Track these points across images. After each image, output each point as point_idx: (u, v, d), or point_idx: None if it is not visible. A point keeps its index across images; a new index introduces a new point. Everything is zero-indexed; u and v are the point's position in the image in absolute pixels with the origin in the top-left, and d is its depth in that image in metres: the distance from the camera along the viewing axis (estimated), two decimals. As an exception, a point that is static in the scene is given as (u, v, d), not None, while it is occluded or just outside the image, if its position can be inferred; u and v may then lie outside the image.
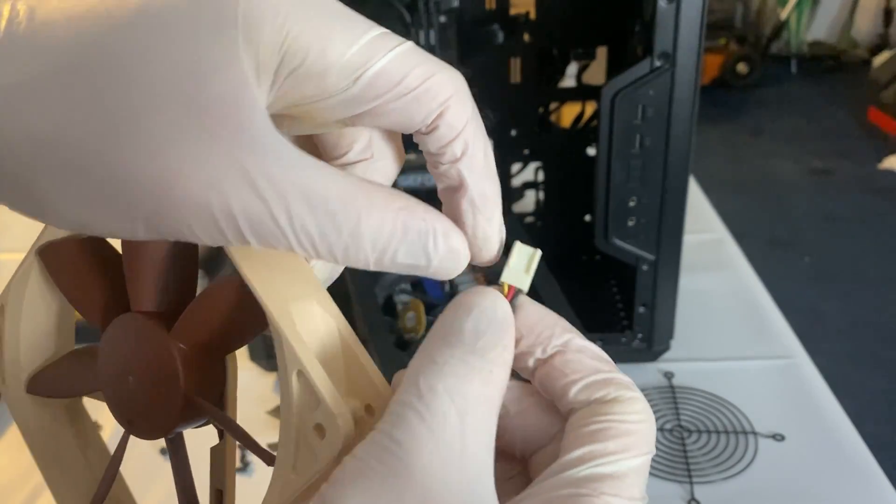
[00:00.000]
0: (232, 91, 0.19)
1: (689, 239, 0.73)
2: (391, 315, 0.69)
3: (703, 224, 1.07)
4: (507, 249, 0.25)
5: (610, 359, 0.24)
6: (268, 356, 0.76)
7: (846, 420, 0.70)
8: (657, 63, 0.61)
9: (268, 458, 0.24)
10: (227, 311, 0.24)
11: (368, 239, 0.20)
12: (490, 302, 0.23)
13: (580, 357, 0.23)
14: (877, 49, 3.91)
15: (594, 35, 0.81)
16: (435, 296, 0.71)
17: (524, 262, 0.24)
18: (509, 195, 0.88)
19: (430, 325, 0.65)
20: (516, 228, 0.79)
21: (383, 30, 0.21)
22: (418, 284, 0.72)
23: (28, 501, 0.65)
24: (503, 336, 0.22)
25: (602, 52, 0.83)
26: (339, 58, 0.20)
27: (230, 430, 0.26)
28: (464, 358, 0.21)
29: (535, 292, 0.75)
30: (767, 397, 0.73)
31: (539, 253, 0.24)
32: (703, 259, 0.96)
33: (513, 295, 0.24)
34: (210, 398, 0.26)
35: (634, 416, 0.22)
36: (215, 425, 0.27)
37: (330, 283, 0.27)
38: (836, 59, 4.02)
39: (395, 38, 0.21)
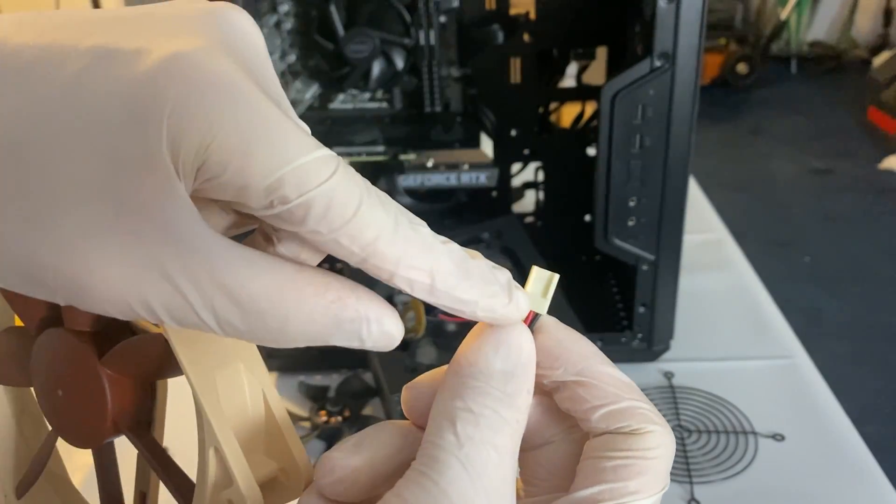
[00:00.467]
0: (155, 187, 0.18)
1: (689, 239, 0.73)
2: (391, 315, 0.69)
3: (703, 224, 1.07)
4: (525, 274, 0.25)
5: (633, 384, 0.24)
6: (267, 356, 0.76)
7: (846, 420, 0.70)
8: (657, 63, 0.61)
9: (176, 488, 0.25)
10: (155, 359, 0.25)
11: (297, 333, 0.20)
12: (516, 339, 0.23)
13: (602, 384, 0.23)
14: (877, 49, 3.91)
15: (594, 35, 0.81)
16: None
17: (541, 287, 0.25)
18: (509, 195, 0.88)
19: (430, 325, 0.65)
20: (516, 228, 0.78)
21: (316, 155, 0.19)
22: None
23: (28, 501, 0.65)
24: (528, 379, 0.23)
25: (602, 52, 0.83)
26: (260, 180, 0.19)
27: (150, 458, 0.26)
28: (496, 408, 0.22)
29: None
30: (767, 397, 0.73)
31: (556, 277, 0.25)
32: (703, 259, 0.96)
33: (531, 320, 0.24)
34: (138, 421, 0.26)
35: (654, 452, 0.22)
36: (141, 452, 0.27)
37: None
38: (836, 59, 4.02)
39: (323, 171, 0.19)
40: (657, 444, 0.23)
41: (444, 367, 0.24)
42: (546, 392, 0.24)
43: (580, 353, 0.24)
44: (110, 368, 0.25)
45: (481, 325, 0.24)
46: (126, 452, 0.28)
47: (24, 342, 0.28)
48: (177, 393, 0.28)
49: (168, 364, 0.25)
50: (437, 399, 0.23)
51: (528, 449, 0.24)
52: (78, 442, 0.27)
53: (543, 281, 0.25)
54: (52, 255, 0.19)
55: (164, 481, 0.25)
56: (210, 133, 0.18)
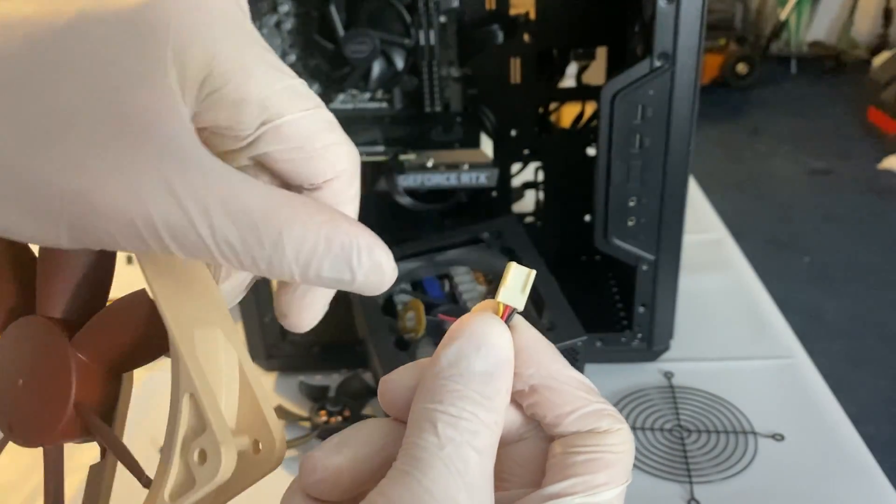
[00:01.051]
0: (157, 103, 0.19)
1: (689, 239, 0.73)
2: (391, 315, 0.69)
3: (703, 224, 1.07)
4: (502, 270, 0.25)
5: (594, 387, 0.25)
6: (267, 356, 0.76)
7: (846, 420, 0.70)
8: (657, 63, 0.61)
9: (146, 481, 0.24)
10: (132, 327, 0.24)
11: (291, 251, 0.21)
12: (497, 338, 0.24)
13: (570, 388, 0.24)
14: (876, 49, 3.92)
15: (594, 35, 0.81)
16: (435, 296, 0.71)
17: (520, 282, 0.25)
18: (509, 195, 0.88)
19: (430, 325, 0.65)
20: (516, 228, 0.79)
21: (303, 82, 0.22)
22: (418, 284, 0.72)
23: (28, 501, 0.65)
24: (507, 380, 0.24)
25: (602, 53, 0.83)
26: (257, 93, 0.21)
27: (113, 448, 0.25)
28: (475, 412, 0.22)
29: (535, 292, 0.75)
30: (767, 397, 0.73)
31: (534, 273, 0.25)
32: (703, 259, 0.96)
33: (508, 314, 0.25)
34: (99, 413, 0.25)
35: (619, 447, 0.23)
36: (99, 443, 0.26)
37: (234, 304, 0.27)
38: (835, 59, 4.02)
39: (311, 97, 0.22)
40: (622, 440, 0.24)
41: (422, 360, 0.25)
42: (517, 392, 0.25)
43: (550, 355, 0.25)
44: (81, 351, 0.24)
45: (462, 321, 0.24)
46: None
47: None
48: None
49: (144, 338, 0.24)
50: (417, 398, 0.23)
51: (502, 445, 0.25)
52: (30, 439, 0.25)
53: (522, 276, 0.25)
54: (59, 172, 0.19)
55: (135, 474, 0.24)
56: (213, 47, 0.20)
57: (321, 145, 0.23)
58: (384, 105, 0.85)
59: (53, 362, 0.25)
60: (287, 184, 0.24)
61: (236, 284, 0.27)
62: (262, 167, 0.23)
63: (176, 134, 0.19)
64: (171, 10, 0.19)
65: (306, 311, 0.26)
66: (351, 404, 0.72)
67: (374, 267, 0.22)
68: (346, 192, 0.24)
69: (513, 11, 0.79)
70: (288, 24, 0.81)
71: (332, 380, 0.77)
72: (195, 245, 0.20)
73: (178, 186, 0.19)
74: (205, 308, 0.24)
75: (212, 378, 0.23)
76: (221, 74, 0.20)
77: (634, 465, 0.66)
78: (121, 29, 0.19)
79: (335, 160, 0.23)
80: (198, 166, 0.20)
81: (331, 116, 0.23)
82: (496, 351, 0.23)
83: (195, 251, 0.20)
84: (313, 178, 0.23)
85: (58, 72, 0.19)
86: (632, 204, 0.68)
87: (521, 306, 0.25)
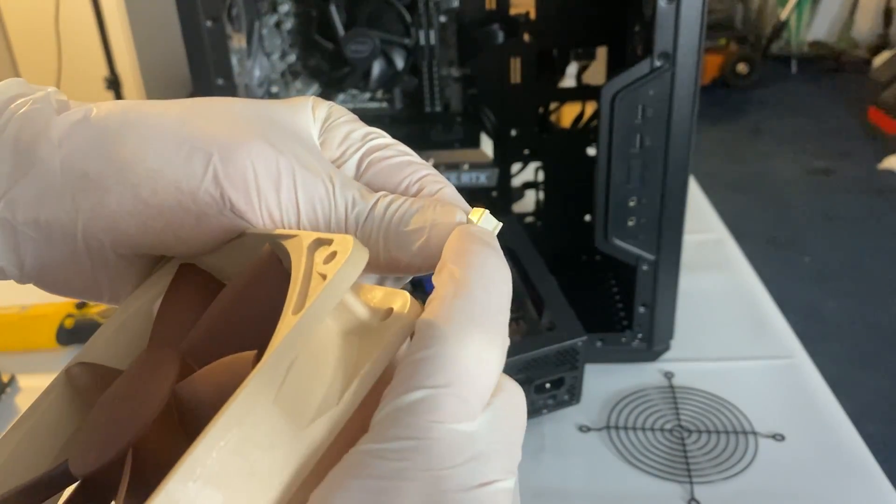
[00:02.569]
0: (297, 121, 0.28)
1: (689, 239, 0.73)
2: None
3: (703, 224, 1.07)
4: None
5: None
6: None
7: (846, 420, 0.70)
8: (657, 63, 0.61)
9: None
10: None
11: (384, 204, 0.26)
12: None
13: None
14: (877, 49, 3.91)
15: (594, 35, 0.81)
16: (435, 296, 0.71)
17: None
18: (509, 195, 0.88)
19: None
20: (516, 228, 0.79)
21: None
22: (418, 284, 0.72)
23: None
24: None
25: (602, 52, 0.83)
26: (360, 127, 0.29)
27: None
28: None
29: (535, 292, 0.74)
30: (767, 397, 0.73)
31: (500, 226, 0.26)
32: (703, 259, 0.96)
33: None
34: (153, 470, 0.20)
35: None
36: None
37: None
38: (836, 59, 4.02)
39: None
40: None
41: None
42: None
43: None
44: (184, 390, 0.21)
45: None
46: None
47: (96, 380, 0.25)
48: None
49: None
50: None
51: None
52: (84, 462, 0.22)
53: (490, 225, 0.25)
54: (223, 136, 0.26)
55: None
56: (331, 103, 0.29)
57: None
58: (384, 105, 0.85)
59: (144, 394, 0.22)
60: None
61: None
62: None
63: (307, 138, 0.27)
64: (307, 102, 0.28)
65: None
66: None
67: (447, 211, 0.25)
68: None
69: (513, 11, 0.79)
70: (288, 24, 0.81)
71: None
72: (319, 196, 0.25)
73: (308, 156, 0.26)
74: None
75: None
76: (336, 114, 0.28)
77: (635, 466, 0.66)
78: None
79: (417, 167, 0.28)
80: (318, 155, 0.27)
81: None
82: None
83: (317, 201, 0.25)
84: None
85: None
86: (632, 204, 0.68)
87: None
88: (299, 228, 0.26)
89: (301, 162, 0.26)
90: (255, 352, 0.20)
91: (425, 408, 0.19)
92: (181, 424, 0.22)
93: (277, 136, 0.26)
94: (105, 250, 0.26)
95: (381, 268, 0.26)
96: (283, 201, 0.25)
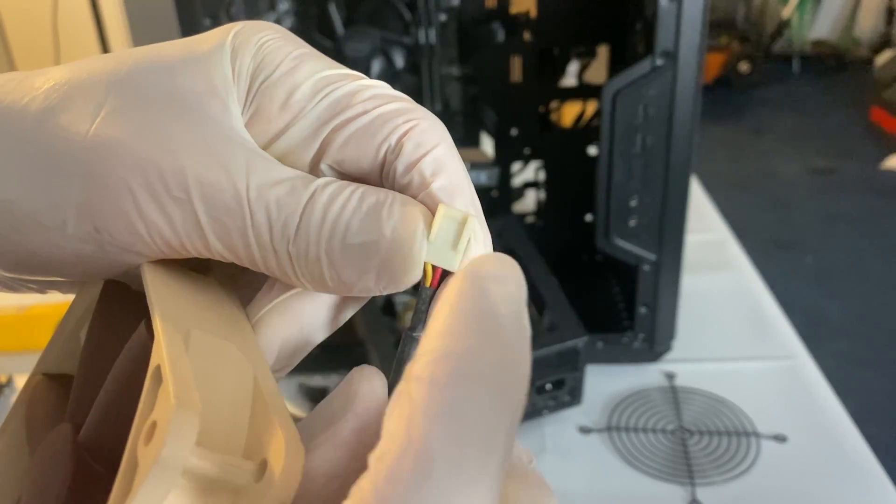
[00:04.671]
0: (205, 91, 0.21)
1: (691, 239, 0.73)
2: (391, 315, 0.68)
3: (705, 224, 1.06)
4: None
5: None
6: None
7: (848, 421, 0.70)
8: (658, 62, 0.61)
9: None
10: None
11: (319, 209, 0.19)
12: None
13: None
14: (879, 48, 3.91)
15: (595, 33, 0.80)
16: (435, 296, 0.70)
17: (451, 234, 0.19)
18: (510, 195, 0.88)
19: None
20: (516, 228, 0.78)
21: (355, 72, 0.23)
22: (418, 284, 0.72)
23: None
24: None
25: (603, 51, 0.82)
26: (308, 76, 0.21)
27: None
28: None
29: (535, 292, 0.74)
30: (769, 398, 0.72)
31: (472, 219, 0.19)
32: (705, 259, 0.95)
33: (439, 279, 0.19)
34: None
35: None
36: None
37: (324, 338, 0.23)
38: (838, 58, 4.02)
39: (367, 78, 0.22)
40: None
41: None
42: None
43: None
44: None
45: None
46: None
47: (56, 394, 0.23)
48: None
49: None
50: None
51: None
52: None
53: (454, 224, 0.19)
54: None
55: None
56: (264, 46, 0.21)
57: (384, 101, 0.21)
58: (384, 104, 0.85)
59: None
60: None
61: (320, 307, 0.23)
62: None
63: (217, 112, 0.20)
64: (230, 32, 0.22)
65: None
66: (350, 405, 0.71)
67: (405, 217, 0.19)
68: (431, 135, 0.21)
69: (513, 10, 0.79)
70: (287, 23, 0.80)
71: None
72: (227, 207, 0.19)
73: (213, 148, 0.19)
74: (215, 320, 0.20)
75: (208, 383, 0.18)
76: (271, 62, 0.21)
77: (636, 467, 0.66)
78: (190, 58, 0.21)
79: (406, 113, 0.21)
80: (231, 139, 0.20)
81: (390, 88, 0.22)
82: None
83: (224, 213, 0.19)
84: (388, 135, 0.21)
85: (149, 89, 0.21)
86: (633, 203, 0.67)
87: (454, 266, 0.19)
88: (209, 252, 0.20)
89: (203, 160, 0.19)
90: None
91: None
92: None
93: (170, 122, 0.19)
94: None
95: (335, 290, 0.20)
96: (177, 224, 0.19)
